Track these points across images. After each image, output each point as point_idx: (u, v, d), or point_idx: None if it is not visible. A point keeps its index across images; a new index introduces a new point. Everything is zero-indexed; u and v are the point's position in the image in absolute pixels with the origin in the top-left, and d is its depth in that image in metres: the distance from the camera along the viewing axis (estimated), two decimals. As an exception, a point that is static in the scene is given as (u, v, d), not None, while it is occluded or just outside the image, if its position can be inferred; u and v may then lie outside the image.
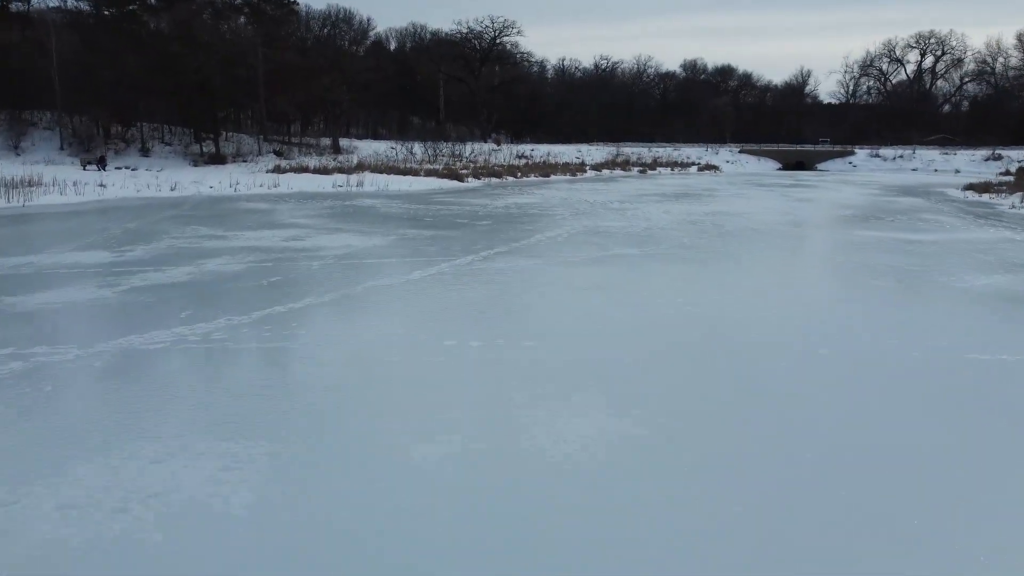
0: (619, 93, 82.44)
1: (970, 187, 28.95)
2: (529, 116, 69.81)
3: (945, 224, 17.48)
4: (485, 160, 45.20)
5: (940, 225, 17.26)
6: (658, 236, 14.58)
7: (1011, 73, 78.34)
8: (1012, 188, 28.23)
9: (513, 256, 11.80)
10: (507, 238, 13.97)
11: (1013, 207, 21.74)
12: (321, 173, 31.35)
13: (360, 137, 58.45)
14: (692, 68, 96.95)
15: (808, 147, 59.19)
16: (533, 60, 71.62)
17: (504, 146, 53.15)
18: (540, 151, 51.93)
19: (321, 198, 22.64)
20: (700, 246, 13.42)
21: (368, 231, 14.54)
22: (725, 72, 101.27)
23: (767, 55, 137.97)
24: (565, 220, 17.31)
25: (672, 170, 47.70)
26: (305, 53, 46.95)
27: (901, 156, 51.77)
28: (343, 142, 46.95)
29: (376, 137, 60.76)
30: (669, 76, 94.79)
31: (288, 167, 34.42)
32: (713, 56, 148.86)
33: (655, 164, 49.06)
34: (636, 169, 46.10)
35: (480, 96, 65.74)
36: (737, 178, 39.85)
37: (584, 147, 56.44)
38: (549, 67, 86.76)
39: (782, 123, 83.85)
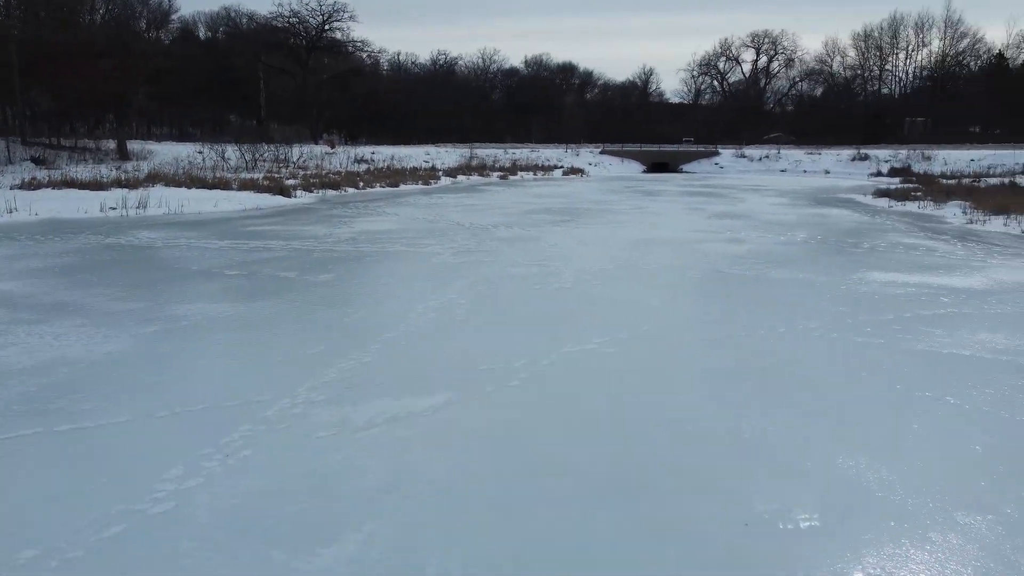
0: (464, 90, 77.43)
1: (884, 194, 26.23)
2: (368, 114, 63.09)
3: (940, 253, 13.46)
4: (318, 166, 38.37)
5: (938, 256, 13.20)
6: (618, 305, 9.24)
7: (848, 73, 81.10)
8: (925, 194, 25.74)
9: (380, 394, 5.99)
10: (364, 325, 8.11)
11: (971, 223, 18.46)
12: (93, 188, 23.59)
13: (162, 139, 49.38)
14: (536, 65, 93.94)
15: (671, 147, 56.95)
16: (370, 50, 64.97)
17: (340, 149, 46.31)
18: (383, 154, 45.68)
19: (75, 231, 15.50)
20: (710, 337, 8.23)
21: (100, 319, 8.09)
22: (567, 69, 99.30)
23: (610, 56, 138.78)
24: (446, 266, 11.61)
25: (535, 174, 43.07)
26: (79, 34, 37.82)
27: (767, 156, 50.32)
28: (134, 145, 38.30)
29: (183, 138, 51.77)
30: (513, 73, 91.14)
31: (49, 180, 26.11)
32: (555, 56, 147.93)
33: (515, 168, 44.27)
34: (495, 174, 41.03)
35: (309, 91, 58.22)
36: (612, 184, 35.77)
37: (433, 149, 50.80)
38: (384, 61, 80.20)
39: (630, 122, 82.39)
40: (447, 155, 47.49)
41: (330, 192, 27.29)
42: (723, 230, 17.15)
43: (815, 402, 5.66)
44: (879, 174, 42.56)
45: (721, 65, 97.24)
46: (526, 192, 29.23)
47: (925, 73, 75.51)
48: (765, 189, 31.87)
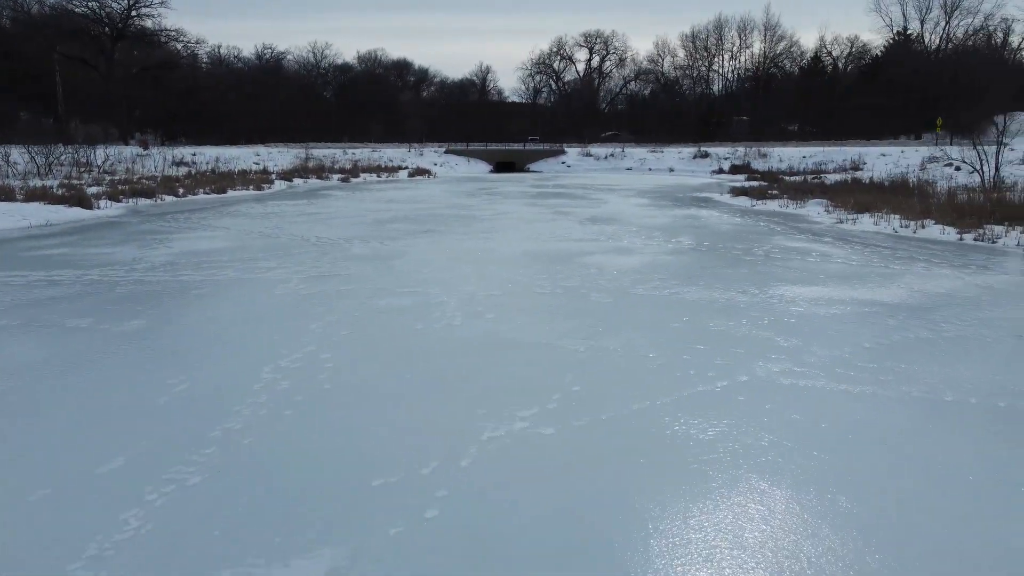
0: (295, 87, 72.94)
1: (743, 192, 26.25)
2: (187, 112, 57.55)
3: (838, 259, 12.78)
4: (128, 170, 33.87)
5: (840, 263, 12.50)
6: (531, 352, 7.40)
7: (677, 73, 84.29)
8: (780, 192, 25.98)
9: (213, 566, 3.79)
10: (186, 415, 5.79)
11: (841, 222, 18.27)
12: None
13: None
14: (371, 61, 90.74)
15: (517, 146, 56.09)
16: (185, 40, 59.26)
17: (155, 150, 41.37)
18: (206, 156, 41.36)
19: None
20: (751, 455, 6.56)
21: None
22: (402, 66, 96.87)
23: (445, 54, 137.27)
24: (297, 299, 9.30)
25: (379, 176, 40.54)
26: None
27: (612, 155, 50.56)
28: None
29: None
30: (347, 68, 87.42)
31: None
32: (390, 53, 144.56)
33: (357, 169, 41.50)
34: (336, 177, 38.14)
35: (116, 85, 52.11)
36: (464, 185, 34.03)
37: (264, 150, 46.85)
38: (203, 54, 74.06)
39: (472, 121, 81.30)
40: (280, 156, 43.83)
41: (143, 201, 23.61)
42: (602, 237, 15.83)
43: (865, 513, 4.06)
44: (721, 171, 43.68)
45: (556, 64, 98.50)
46: (375, 196, 26.83)
47: (748, 74, 79.86)
48: (620, 188, 31.33)
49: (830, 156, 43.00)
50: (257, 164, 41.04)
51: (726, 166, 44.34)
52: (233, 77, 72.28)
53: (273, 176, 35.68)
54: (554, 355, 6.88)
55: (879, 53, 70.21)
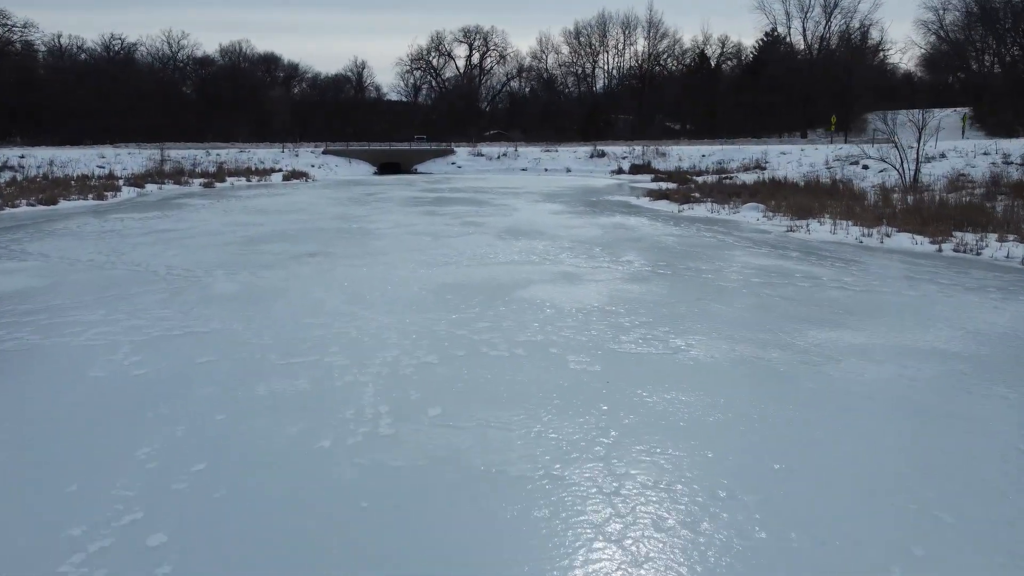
0: (149, 81, 66.28)
1: (662, 196, 24.23)
2: (20, 109, 50.51)
3: (831, 281, 10.63)
4: (-67, 177, 28.32)
5: (845, 290, 10.34)
6: (513, 490, 4.54)
7: (563, 70, 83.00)
8: (704, 194, 24.16)
9: None
10: None
11: (791, 230, 16.36)
12: None
13: None
14: (234, 54, 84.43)
15: (402, 146, 52.63)
16: (10, 24, 51.82)
17: None
18: (37, 158, 35.75)
19: None
20: None
21: None
22: (270, 60, 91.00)
23: (318, 52, 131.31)
24: (127, 384, 6.04)
25: (249, 180, 36.27)
26: None
27: (505, 154, 48.04)
28: None
29: None
30: (208, 62, 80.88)
31: None
32: (257, 47, 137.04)
33: (223, 173, 37.01)
34: (198, 181, 33.67)
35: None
36: (348, 190, 30.53)
37: (111, 151, 41.34)
38: (39, 43, 66.18)
39: (350, 119, 76.98)
40: (131, 159, 38.61)
41: (-60, 218, 18.93)
42: (533, 257, 13.15)
43: None
44: (620, 171, 42.05)
45: (434, 60, 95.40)
46: (244, 206, 23.02)
47: (632, 72, 79.61)
48: (523, 192, 28.80)
49: (729, 155, 42.22)
50: (102, 168, 35.80)
51: (625, 165, 42.77)
52: (77, 69, 64.80)
53: (120, 182, 30.86)
54: (569, 513, 4.02)
55: (753, 52, 71.43)
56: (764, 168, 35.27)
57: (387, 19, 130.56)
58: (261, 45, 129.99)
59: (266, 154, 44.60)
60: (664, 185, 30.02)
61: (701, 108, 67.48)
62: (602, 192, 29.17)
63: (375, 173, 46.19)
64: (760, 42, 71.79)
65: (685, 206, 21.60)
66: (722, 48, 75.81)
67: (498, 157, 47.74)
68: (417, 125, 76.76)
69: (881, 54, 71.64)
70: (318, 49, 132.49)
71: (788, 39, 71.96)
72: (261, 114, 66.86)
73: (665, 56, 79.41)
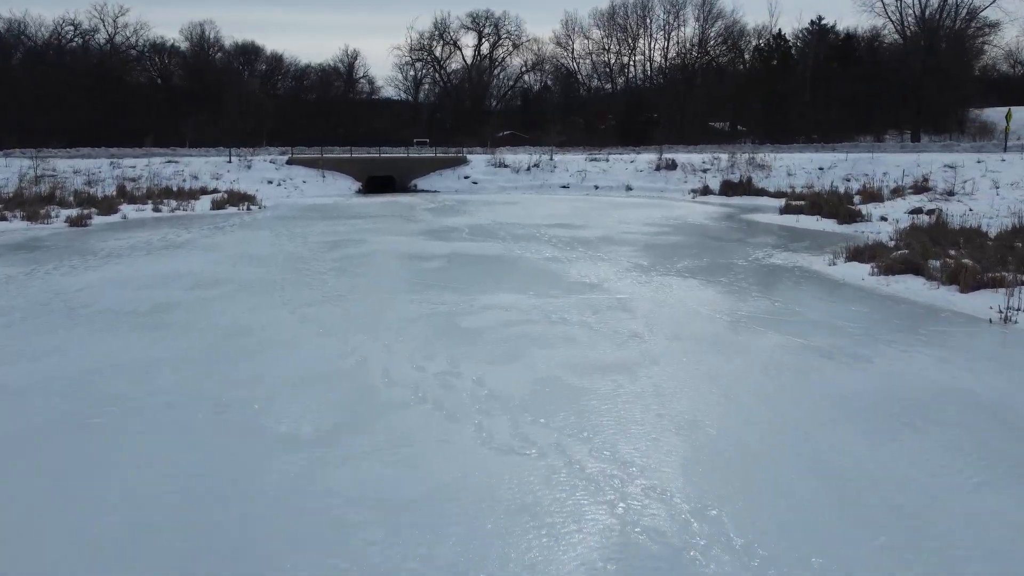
0: (84, 68, 54.05)
1: (856, 255, 12.03)
2: None
3: None
4: None
5: None
6: None
7: (594, 59, 70.78)
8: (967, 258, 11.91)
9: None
10: None
11: None
12: None
13: None
14: (202, 41, 71.96)
15: (397, 152, 40.45)
16: None
17: None
18: None
19: None
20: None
21: None
22: (249, 51, 78.50)
23: (304, 43, 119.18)
24: None
25: (158, 208, 24.10)
26: None
27: (537, 165, 35.77)
28: None
29: None
30: (173, 51, 68.71)
31: None
32: (227, 34, 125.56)
33: (120, 197, 24.91)
34: (67, 214, 21.47)
35: None
36: (299, 241, 18.37)
37: None
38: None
39: (333, 118, 64.91)
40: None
41: None
42: None
43: None
44: (707, 191, 29.82)
45: (439, 51, 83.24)
46: (62, 297, 10.88)
47: (679, 60, 67.28)
48: (596, 241, 16.59)
49: (858, 167, 30.02)
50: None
51: (712, 183, 30.47)
52: None
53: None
54: None
55: (840, 34, 58.58)
56: (952, 193, 23.02)
57: (385, 5, 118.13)
58: (238, 34, 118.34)
59: (206, 164, 32.39)
60: (840, 229, 17.83)
61: (775, 103, 54.89)
62: (727, 238, 16.93)
63: (359, 191, 34.05)
64: (845, 30, 59.32)
65: (943, 287, 9.41)
66: (801, 30, 63.21)
67: (528, 169, 35.49)
68: (417, 126, 64.78)
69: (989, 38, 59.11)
70: (308, 45, 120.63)
71: (887, 22, 59.08)
72: (226, 113, 54.71)
73: (721, 41, 67.05)
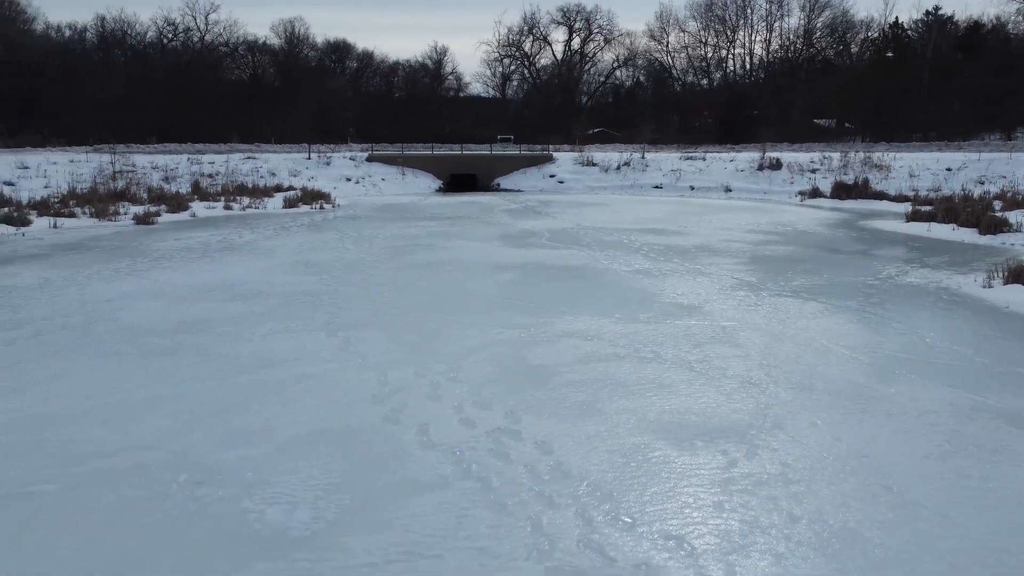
0: (156, 67, 54.98)
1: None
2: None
3: None
4: None
5: None
6: None
7: (691, 52, 68.10)
8: None
9: None
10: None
11: None
12: None
13: None
14: (292, 38, 72.75)
15: (479, 149, 39.29)
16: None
17: None
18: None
19: None
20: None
21: None
22: (340, 48, 79.11)
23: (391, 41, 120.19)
24: None
25: (229, 207, 23.49)
26: None
27: (627, 163, 33.92)
28: None
29: None
30: (264, 48, 69.63)
31: None
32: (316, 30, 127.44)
33: (183, 199, 24.47)
34: (135, 212, 20.98)
35: None
36: (369, 244, 17.23)
37: (36, 157, 29.19)
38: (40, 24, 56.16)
39: (420, 116, 64.43)
40: (66, 169, 26.45)
41: None
42: None
43: None
44: (817, 193, 27.28)
45: (528, 46, 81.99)
46: (98, 306, 9.91)
47: (780, 55, 63.85)
48: (698, 252, 14.72)
49: (994, 167, 26.93)
50: (10, 185, 23.79)
51: (822, 184, 27.87)
52: (54, 50, 54.10)
53: (9, 211, 18.67)
54: None
55: (976, 23, 53.87)
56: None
57: (476, 2, 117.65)
58: (323, 28, 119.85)
59: (284, 161, 31.93)
60: (983, 241, 15.40)
61: (890, 99, 51.06)
62: (847, 250, 14.70)
63: (439, 190, 33.01)
64: (968, 19, 54.77)
65: None
66: (915, 20, 58.79)
67: (617, 168, 33.64)
68: (503, 123, 63.60)
69: None
70: (398, 44, 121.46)
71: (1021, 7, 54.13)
72: (311, 110, 54.82)
73: (827, 32, 63.26)
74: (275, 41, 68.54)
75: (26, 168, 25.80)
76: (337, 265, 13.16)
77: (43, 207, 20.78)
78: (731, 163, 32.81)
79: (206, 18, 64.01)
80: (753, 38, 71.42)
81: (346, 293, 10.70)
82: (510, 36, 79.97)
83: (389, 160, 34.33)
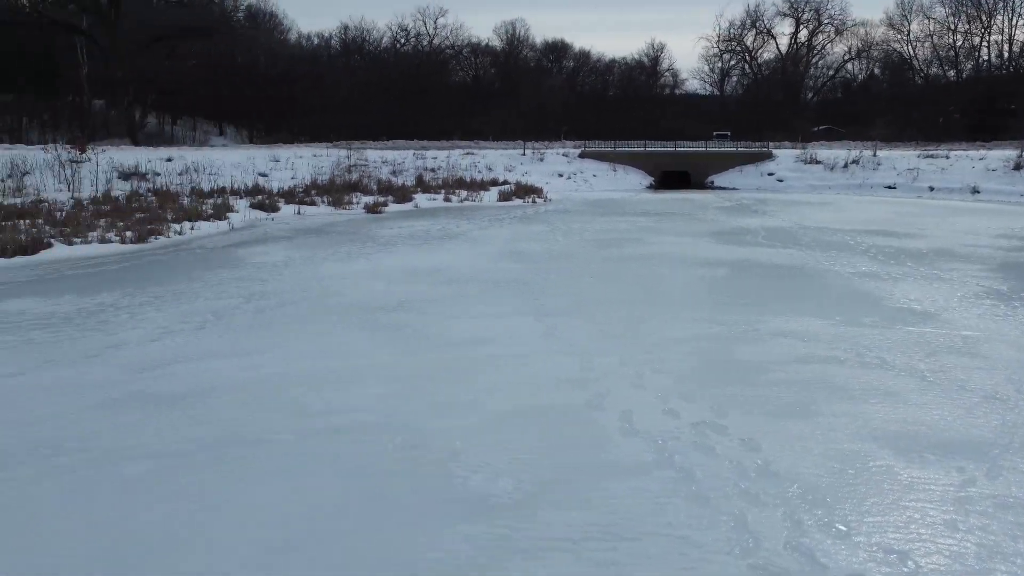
0: (392, 70, 58.55)
1: None
2: (243, 99, 44.80)
3: None
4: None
5: None
6: None
7: (936, 40, 62.22)
8: None
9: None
10: None
11: None
12: None
13: None
14: (512, 39, 74.84)
15: (692, 146, 38.35)
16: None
17: (91, 154, 26.44)
18: (178, 163, 27.28)
19: None
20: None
21: None
22: (558, 49, 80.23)
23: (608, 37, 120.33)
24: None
25: (448, 199, 24.71)
26: None
27: (855, 162, 31.66)
28: None
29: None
30: (487, 50, 72.39)
31: None
32: (533, 31, 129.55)
33: (407, 190, 25.99)
34: (366, 202, 22.69)
35: (120, 58, 39.83)
36: (576, 236, 17.45)
37: (287, 152, 32.20)
38: (293, 32, 61.89)
39: (632, 114, 63.95)
40: (310, 163, 29.07)
41: None
42: None
43: None
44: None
45: (750, 40, 78.61)
46: (334, 284, 10.91)
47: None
48: (921, 247, 13.39)
49: None
50: (264, 176, 26.61)
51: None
52: (319, 59, 59.15)
53: (246, 202, 20.99)
54: None
55: None
56: None
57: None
58: (539, 25, 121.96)
59: (500, 157, 33.10)
60: None
61: None
62: None
63: (650, 187, 32.65)
64: None
65: None
66: None
67: (844, 166, 31.48)
68: (720, 120, 61.61)
69: None
70: (615, 43, 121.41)
71: None
72: (528, 107, 56.32)
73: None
74: (497, 43, 71.13)
75: (277, 161, 28.76)
76: (546, 255, 13.42)
77: (289, 196, 23.04)
78: (980, 161, 29.55)
79: (435, 23, 67.74)
80: (1015, 22, 63.71)
81: (554, 281, 10.87)
82: (731, 30, 77.26)
83: (601, 157, 34.49)
